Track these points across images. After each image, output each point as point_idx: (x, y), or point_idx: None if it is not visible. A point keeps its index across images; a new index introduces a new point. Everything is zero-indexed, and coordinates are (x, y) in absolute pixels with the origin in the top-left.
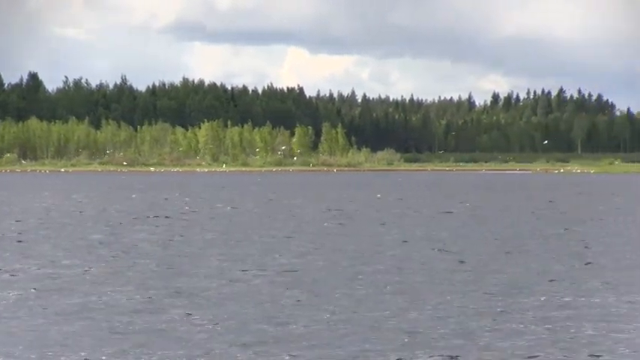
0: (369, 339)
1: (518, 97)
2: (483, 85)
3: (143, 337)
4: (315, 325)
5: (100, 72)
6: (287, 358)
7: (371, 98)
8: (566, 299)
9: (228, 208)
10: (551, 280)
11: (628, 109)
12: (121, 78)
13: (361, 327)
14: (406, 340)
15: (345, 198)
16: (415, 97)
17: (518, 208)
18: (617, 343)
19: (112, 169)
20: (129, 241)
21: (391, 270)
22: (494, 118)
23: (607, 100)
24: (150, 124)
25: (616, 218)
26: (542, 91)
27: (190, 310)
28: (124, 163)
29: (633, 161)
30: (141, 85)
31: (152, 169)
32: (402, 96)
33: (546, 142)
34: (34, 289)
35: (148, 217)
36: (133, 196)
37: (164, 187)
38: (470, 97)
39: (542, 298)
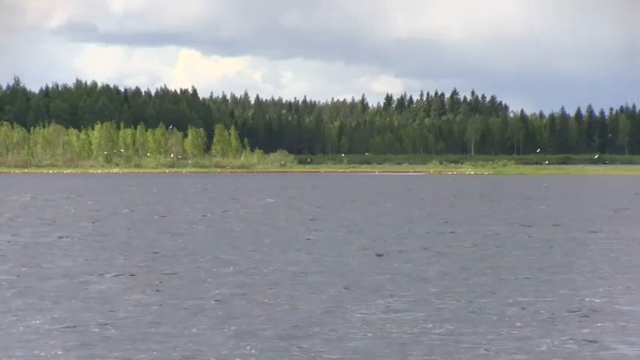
0: None
1: (411, 98)
2: (377, 87)
3: None
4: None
5: None
6: None
7: (264, 100)
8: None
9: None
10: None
11: (522, 111)
12: (14, 79)
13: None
14: None
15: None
16: (308, 99)
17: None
18: None
19: (4, 170)
20: None
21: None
22: (388, 119)
23: (501, 101)
24: (43, 125)
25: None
26: (436, 92)
27: None
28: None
29: (527, 163)
30: (34, 86)
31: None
32: (295, 97)
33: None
34: None
35: None
36: None
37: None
38: (363, 99)
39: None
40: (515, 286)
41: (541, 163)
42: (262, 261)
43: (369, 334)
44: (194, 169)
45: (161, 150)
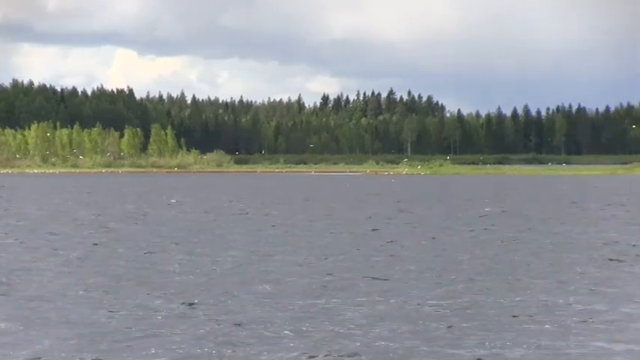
0: None
1: (348, 98)
2: (313, 87)
3: None
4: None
5: None
6: None
7: (200, 100)
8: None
9: None
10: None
11: (458, 111)
12: None
13: None
14: None
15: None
16: (244, 99)
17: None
18: None
19: None
20: None
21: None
22: (324, 119)
23: (437, 101)
24: None
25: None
26: (373, 92)
27: None
28: None
29: (463, 163)
30: None
31: None
32: (231, 97)
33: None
34: None
35: None
36: None
37: None
38: (299, 99)
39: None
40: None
41: (477, 163)
42: None
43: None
44: (130, 169)
45: (98, 150)
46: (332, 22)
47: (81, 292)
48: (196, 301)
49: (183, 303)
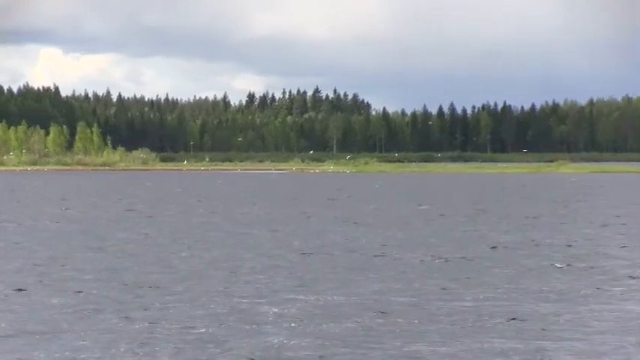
0: None
1: (274, 96)
2: (238, 85)
3: None
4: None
5: None
6: None
7: (126, 98)
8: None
9: None
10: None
11: (384, 109)
12: None
13: None
14: None
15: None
16: (170, 97)
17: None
18: None
19: None
20: None
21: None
22: (250, 117)
23: (363, 99)
24: None
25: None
26: (298, 90)
27: None
28: None
29: (389, 161)
30: None
31: None
32: (157, 95)
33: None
34: None
35: None
36: None
37: None
38: (225, 97)
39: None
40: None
41: (403, 161)
42: None
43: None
44: (56, 167)
45: (23, 148)
46: (257, 20)
47: None
48: None
49: None
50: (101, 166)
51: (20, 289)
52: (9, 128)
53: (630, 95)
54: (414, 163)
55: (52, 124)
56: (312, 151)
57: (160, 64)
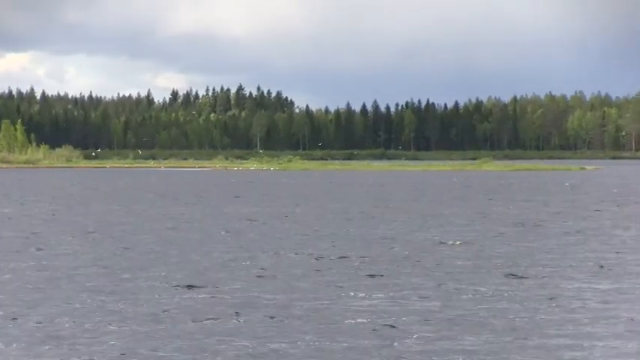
0: None
1: (197, 94)
2: (162, 82)
3: None
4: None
5: None
6: None
7: (50, 95)
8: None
9: None
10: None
11: (307, 106)
12: None
13: None
14: None
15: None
16: (94, 94)
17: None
18: None
19: None
20: None
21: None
22: (173, 115)
23: (286, 97)
24: None
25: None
26: (222, 88)
27: None
28: None
29: (312, 158)
30: None
31: None
32: (80, 93)
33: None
34: None
35: None
36: None
37: None
38: (149, 94)
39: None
40: None
41: (327, 159)
42: None
43: None
44: None
45: None
46: (179, 17)
47: None
48: None
49: None
50: (24, 163)
51: None
52: None
53: (553, 92)
54: (336, 161)
55: None
56: (235, 149)
57: (83, 61)
